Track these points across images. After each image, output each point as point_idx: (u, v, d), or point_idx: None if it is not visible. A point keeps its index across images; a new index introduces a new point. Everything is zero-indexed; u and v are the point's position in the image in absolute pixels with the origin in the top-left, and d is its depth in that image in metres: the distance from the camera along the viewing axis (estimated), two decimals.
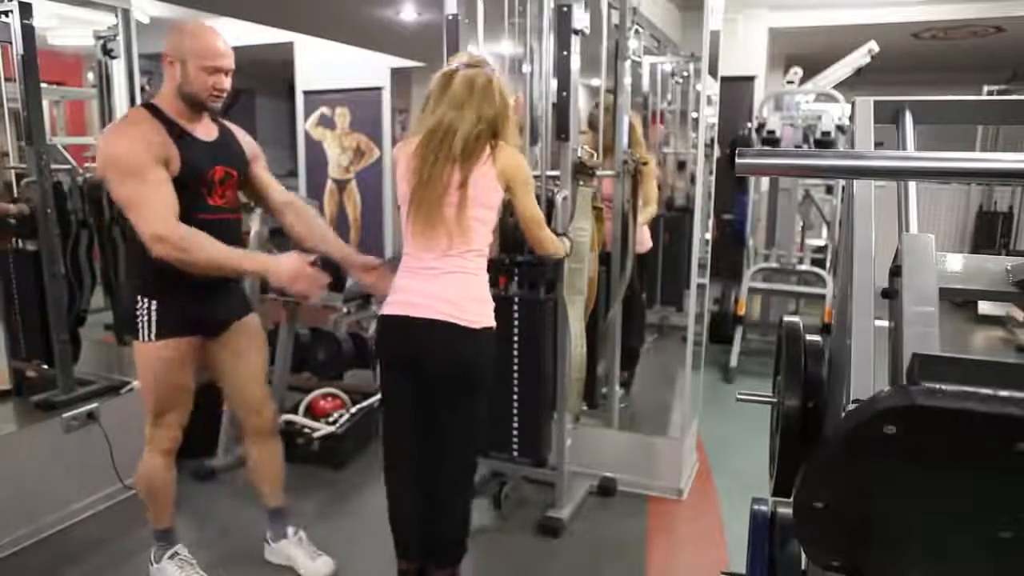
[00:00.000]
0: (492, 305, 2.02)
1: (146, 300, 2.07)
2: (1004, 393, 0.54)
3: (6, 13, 2.59)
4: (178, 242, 1.90)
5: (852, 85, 4.67)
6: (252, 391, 2.30)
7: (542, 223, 2.18)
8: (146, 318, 2.08)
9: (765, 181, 5.08)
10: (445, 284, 1.96)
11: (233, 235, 2.17)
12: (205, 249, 1.93)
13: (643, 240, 3.67)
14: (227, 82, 2.03)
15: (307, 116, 6.25)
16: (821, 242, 5.27)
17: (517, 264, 2.51)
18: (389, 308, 2.02)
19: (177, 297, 2.07)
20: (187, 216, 1.97)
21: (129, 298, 2.11)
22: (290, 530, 2.47)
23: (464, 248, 1.96)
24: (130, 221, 1.95)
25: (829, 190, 5.00)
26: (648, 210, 3.46)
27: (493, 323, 2.01)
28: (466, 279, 1.98)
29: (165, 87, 2.04)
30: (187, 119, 2.04)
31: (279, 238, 2.76)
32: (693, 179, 3.66)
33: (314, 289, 2.04)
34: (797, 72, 4.88)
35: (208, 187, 2.06)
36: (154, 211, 1.90)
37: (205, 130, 2.10)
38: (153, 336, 2.08)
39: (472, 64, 2.00)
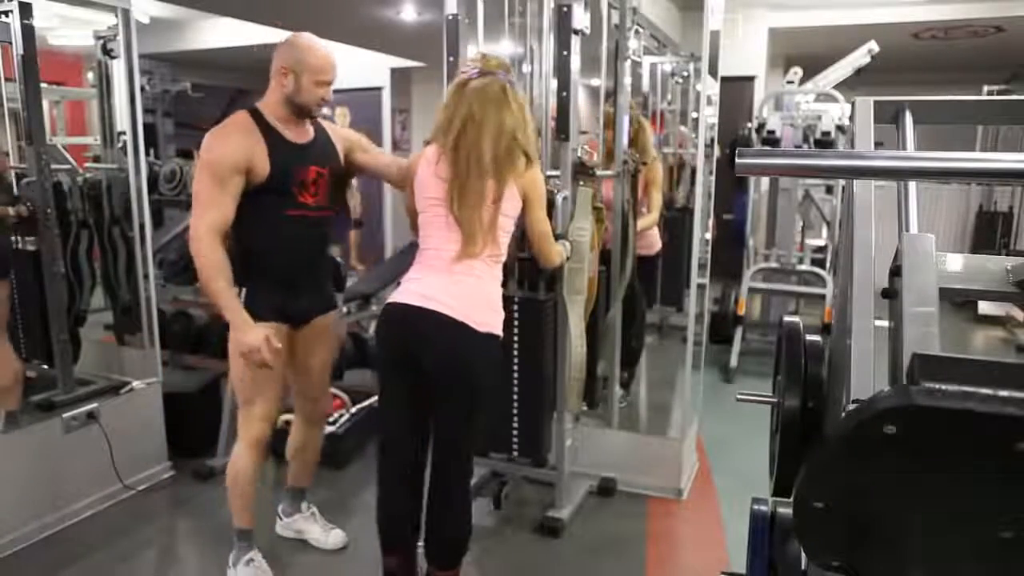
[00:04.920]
0: (502, 316, 2.03)
1: (236, 288, 2.12)
2: (1004, 393, 0.54)
3: (6, 13, 2.59)
4: (203, 255, 2.03)
5: (852, 85, 4.67)
6: (314, 382, 2.44)
7: (551, 237, 2.20)
8: None
9: (765, 181, 5.08)
10: (463, 285, 1.97)
11: (319, 233, 2.28)
12: (213, 278, 2.04)
13: (652, 243, 3.67)
14: (330, 92, 2.18)
15: None
16: (821, 242, 5.26)
17: (517, 261, 2.51)
18: (397, 297, 2.02)
19: (265, 286, 2.18)
20: (276, 214, 2.14)
21: None
22: (303, 505, 2.59)
23: (489, 253, 2.00)
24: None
25: (829, 190, 5.00)
26: (651, 217, 3.46)
27: (500, 332, 2.01)
28: (484, 285, 2.00)
29: (271, 95, 2.15)
30: (286, 124, 2.17)
31: None
32: (693, 174, 3.66)
33: (250, 366, 2.09)
34: (797, 72, 4.88)
35: (300, 186, 2.17)
36: (211, 218, 2.04)
37: (301, 134, 2.21)
38: None
39: (486, 71, 2.00)
